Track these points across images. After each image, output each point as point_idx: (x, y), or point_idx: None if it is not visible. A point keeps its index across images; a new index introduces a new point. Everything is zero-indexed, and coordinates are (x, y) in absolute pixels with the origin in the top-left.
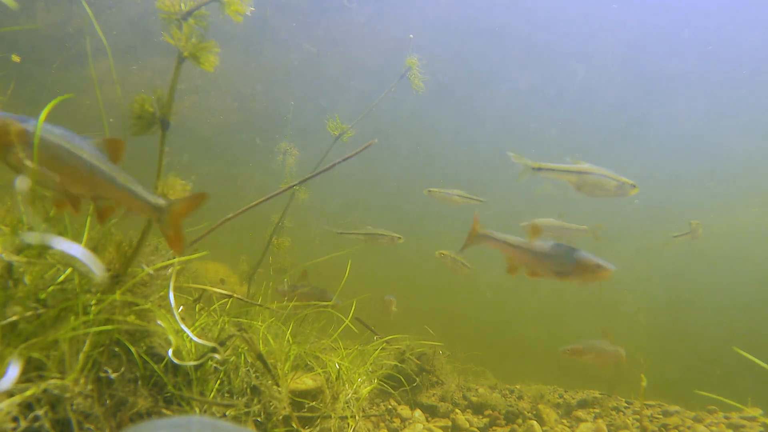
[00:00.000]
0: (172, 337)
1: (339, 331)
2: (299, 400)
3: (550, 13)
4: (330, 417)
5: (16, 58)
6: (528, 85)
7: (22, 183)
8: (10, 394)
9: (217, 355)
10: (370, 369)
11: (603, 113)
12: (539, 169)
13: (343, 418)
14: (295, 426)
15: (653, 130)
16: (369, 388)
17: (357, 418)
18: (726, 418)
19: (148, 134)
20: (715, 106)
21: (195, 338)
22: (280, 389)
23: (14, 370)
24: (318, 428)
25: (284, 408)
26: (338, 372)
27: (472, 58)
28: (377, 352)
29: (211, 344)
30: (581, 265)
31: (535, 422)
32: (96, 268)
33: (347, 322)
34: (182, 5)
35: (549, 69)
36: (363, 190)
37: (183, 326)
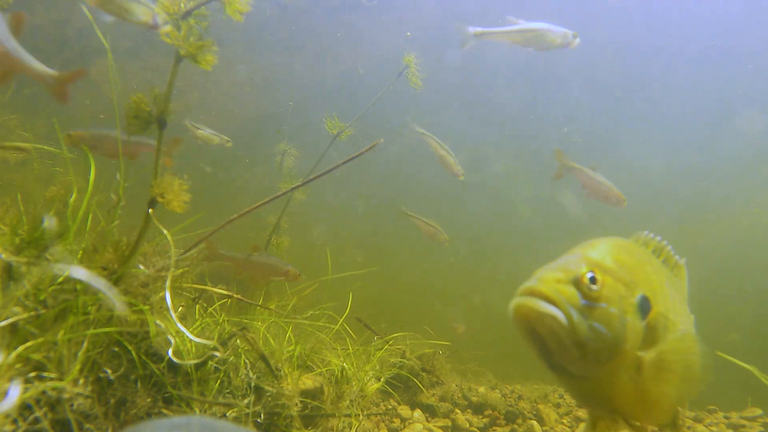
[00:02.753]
0: (172, 338)
1: (334, 330)
2: (300, 399)
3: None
4: (332, 416)
5: None
6: (526, 79)
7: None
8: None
9: (217, 354)
10: (377, 366)
11: (602, 110)
12: (482, 34)
13: (347, 416)
14: (297, 426)
15: (651, 127)
16: (376, 385)
17: (361, 417)
18: (726, 418)
19: (145, 134)
20: (714, 103)
21: (194, 338)
22: (289, 387)
23: (15, 391)
24: (320, 428)
25: (296, 404)
26: (342, 371)
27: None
28: (380, 352)
29: (211, 343)
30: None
31: (535, 422)
32: (118, 302)
33: (341, 321)
34: (182, 5)
35: (550, 64)
36: (363, 189)
37: (181, 327)
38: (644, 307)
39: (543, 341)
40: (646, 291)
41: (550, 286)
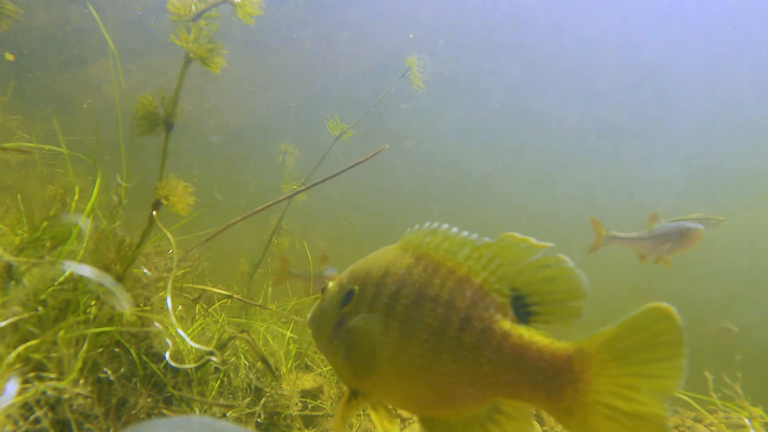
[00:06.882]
0: (171, 340)
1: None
2: (301, 399)
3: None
4: (332, 416)
5: (9, 57)
6: (533, 83)
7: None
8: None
9: (214, 358)
10: None
11: (603, 112)
12: None
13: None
14: (297, 426)
15: (651, 129)
16: None
17: (362, 416)
18: (726, 418)
19: (151, 135)
20: (716, 103)
21: (193, 343)
22: (288, 388)
23: (13, 387)
24: (321, 428)
25: (296, 404)
26: None
27: (473, 53)
28: None
29: (209, 348)
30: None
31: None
32: (123, 301)
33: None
34: (192, 6)
35: (553, 69)
36: (363, 188)
37: (181, 332)
38: (346, 299)
39: None
40: (358, 285)
41: None
